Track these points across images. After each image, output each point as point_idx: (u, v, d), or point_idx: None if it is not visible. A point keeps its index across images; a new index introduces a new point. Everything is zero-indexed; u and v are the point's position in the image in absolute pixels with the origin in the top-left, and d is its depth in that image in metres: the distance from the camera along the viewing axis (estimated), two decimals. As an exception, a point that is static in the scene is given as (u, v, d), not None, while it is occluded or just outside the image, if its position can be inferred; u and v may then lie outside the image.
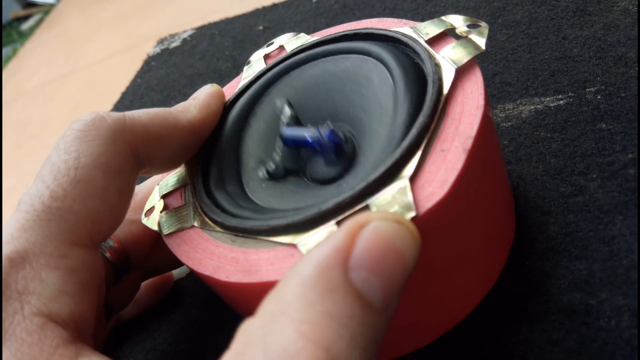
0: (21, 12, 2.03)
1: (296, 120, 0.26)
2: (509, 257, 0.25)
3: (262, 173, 0.25)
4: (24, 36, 1.76)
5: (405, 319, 0.21)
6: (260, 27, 0.58)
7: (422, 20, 0.43)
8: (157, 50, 0.68)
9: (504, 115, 0.32)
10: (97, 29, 0.96)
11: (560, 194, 0.27)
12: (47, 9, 1.73)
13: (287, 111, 0.26)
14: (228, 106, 0.28)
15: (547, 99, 0.31)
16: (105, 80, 0.76)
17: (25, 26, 1.94)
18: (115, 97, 0.64)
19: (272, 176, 0.25)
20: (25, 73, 0.98)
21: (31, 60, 1.04)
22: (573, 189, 0.27)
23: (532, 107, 0.31)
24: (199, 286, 0.33)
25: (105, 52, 0.85)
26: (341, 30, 0.28)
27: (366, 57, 0.25)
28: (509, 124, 0.31)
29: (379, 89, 0.24)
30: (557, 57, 0.34)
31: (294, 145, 0.26)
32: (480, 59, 0.27)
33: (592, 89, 0.31)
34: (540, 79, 0.33)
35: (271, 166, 0.25)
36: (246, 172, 0.26)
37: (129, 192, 0.23)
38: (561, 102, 0.31)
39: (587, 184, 0.26)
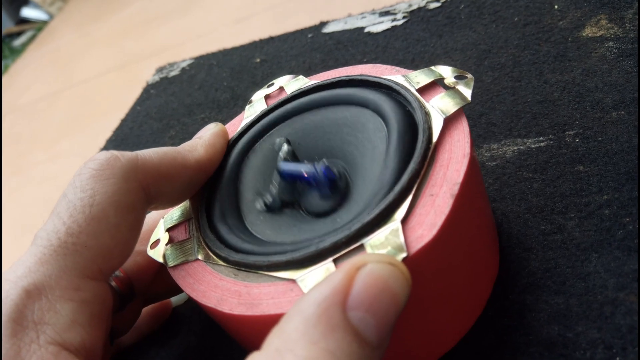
0: (13, 29, 2.04)
1: (293, 156, 0.28)
2: (493, 290, 0.27)
3: (259, 205, 0.27)
4: (15, 52, 1.76)
5: (393, 352, 0.23)
6: (258, 60, 0.60)
7: (413, 59, 0.45)
8: (157, 78, 0.69)
9: (489, 154, 0.34)
10: (90, 48, 0.97)
11: (540, 232, 0.29)
12: (40, 26, 1.74)
13: (285, 147, 0.27)
14: (231, 144, 0.29)
15: (529, 140, 0.34)
16: (97, 99, 0.77)
17: (17, 42, 1.94)
18: (108, 116, 0.66)
19: (269, 208, 0.27)
20: (16, 89, 0.99)
21: (22, 76, 1.05)
22: (552, 227, 0.28)
23: (516, 148, 0.34)
24: (197, 313, 0.34)
25: (97, 70, 0.86)
26: (337, 76, 0.30)
27: (364, 109, 0.27)
28: (494, 163, 0.33)
29: (373, 135, 0.26)
30: (539, 101, 0.36)
31: (291, 179, 0.27)
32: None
33: (571, 132, 0.33)
34: (523, 120, 0.35)
35: (268, 198, 0.27)
36: (244, 204, 0.27)
37: (139, 227, 0.24)
38: (542, 143, 0.33)
39: (566, 222, 0.28)
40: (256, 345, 0.18)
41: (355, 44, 0.52)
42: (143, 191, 0.24)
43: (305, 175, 0.26)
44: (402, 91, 0.26)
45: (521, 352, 0.24)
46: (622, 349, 0.23)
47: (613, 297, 0.25)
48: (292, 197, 0.27)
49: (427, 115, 0.24)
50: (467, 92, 0.25)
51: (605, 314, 0.24)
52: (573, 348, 0.24)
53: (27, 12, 1.98)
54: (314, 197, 0.27)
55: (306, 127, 0.29)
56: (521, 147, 0.33)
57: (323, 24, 0.59)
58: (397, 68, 0.28)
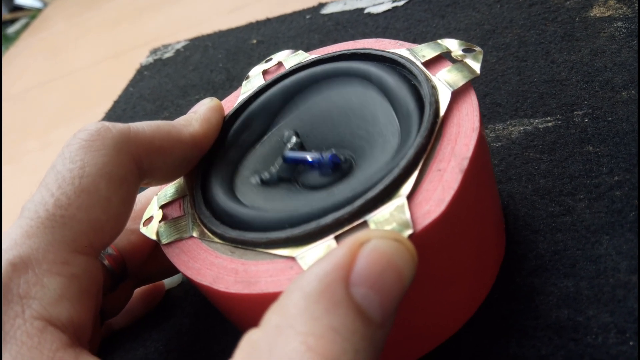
0: (7, 16, 2.02)
1: (301, 147, 0.27)
2: (499, 273, 0.26)
3: (255, 180, 0.26)
4: (9, 40, 1.74)
5: (398, 333, 0.22)
6: (254, 41, 0.58)
7: (414, 39, 0.44)
8: (150, 60, 0.68)
9: (494, 135, 0.33)
10: (84, 35, 0.96)
11: (549, 214, 0.28)
12: (34, 14, 1.72)
13: (294, 139, 0.26)
14: (228, 120, 0.28)
15: (536, 120, 0.32)
16: (90, 87, 0.76)
17: (11, 30, 1.92)
18: (102, 104, 0.64)
19: (265, 183, 0.26)
20: (9, 77, 0.98)
21: (16, 64, 1.03)
22: (561, 208, 0.27)
23: (522, 128, 0.32)
24: (191, 295, 0.33)
25: (91, 58, 0.85)
26: (339, 50, 0.28)
27: (367, 83, 0.26)
28: (500, 144, 0.32)
29: (385, 128, 0.25)
30: (546, 80, 0.35)
31: (293, 163, 0.26)
32: (471, 80, 0.28)
33: (580, 112, 0.32)
34: (529, 101, 0.34)
35: (266, 175, 0.26)
36: (239, 178, 0.26)
37: (131, 202, 0.23)
38: (550, 124, 0.32)
39: (575, 204, 0.27)
40: (253, 325, 0.17)
41: (354, 25, 0.51)
42: (135, 164, 0.23)
43: (310, 160, 0.25)
44: (407, 64, 0.25)
45: (529, 336, 0.24)
46: (635, 333, 0.22)
47: (626, 280, 0.24)
48: (291, 175, 0.26)
49: (433, 88, 0.23)
50: (476, 66, 0.24)
51: (618, 297, 0.23)
52: (584, 332, 0.23)
53: (21, -1, 1.95)
54: (313, 175, 0.26)
55: (313, 116, 0.27)
56: (527, 127, 0.32)
57: (322, 5, 0.58)
58: (401, 42, 0.27)
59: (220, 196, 0.24)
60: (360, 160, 0.25)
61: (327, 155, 0.25)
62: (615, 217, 0.26)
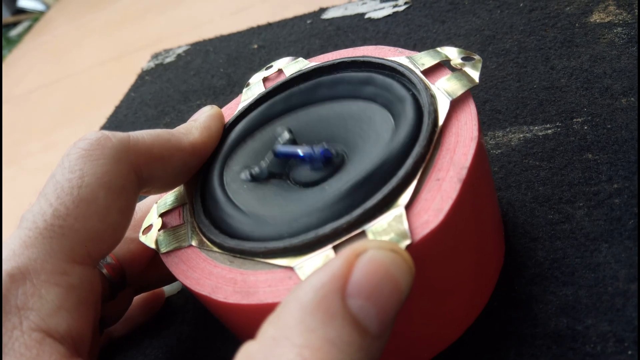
0: (10, 19, 2.02)
1: (293, 142, 0.27)
2: (498, 281, 0.26)
3: (244, 175, 0.26)
4: (12, 43, 1.75)
5: (396, 342, 0.22)
6: (255, 46, 0.59)
7: (415, 45, 0.44)
8: (152, 64, 0.68)
9: (494, 142, 0.33)
10: (86, 38, 0.96)
11: (548, 221, 0.28)
12: (36, 16, 1.73)
13: (286, 135, 0.26)
14: (228, 128, 0.28)
15: (536, 127, 0.32)
16: (93, 89, 0.76)
17: (14, 33, 1.92)
18: (104, 106, 0.65)
19: (255, 178, 0.26)
20: (11, 80, 0.98)
21: (18, 67, 1.03)
22: (560, 216, 0.27)
23: (521, 136, 0.32)
24: (191, 303, 0.33)
25: (93, 61, 0.85)
26: (338, 57, 0.29)
27: (372, 104, 0.26)
28: (499, 151, 0.32)
29: (379, 127, 0.25)
30: (545, 87, 0.35)
31: (284, 157, 0.26)
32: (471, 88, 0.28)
33: (579, 120, 0.32)
34: (529, 107, 0.34)
35: (256, 170, 0.26)
36: (229, 174, 0.26)
37: (130, 211, 0.23)
38: (549, 131, 0.32)
39: (574, 212, 0.27)
40: (252, 335, 0.17)
41: (355, 30, 0.51)
42: (135, 173, 0.23)
43: (301, 154, 0.25)
44: (407, 72, 0.25)
45: (528, 345, 0.24)
46: (634, 342, 0.22)
47: (624, 289, 0.24)
48: (282, 170, 0.26)
49: (432, 97, 0.23)
50: (475, 74, 0.24)
51: (617, 306, 0.23)
52: (583, 341, 0.23)
53: (23, 2, 1.96)
54: (304, 170, 0.26)
55: (310, 119, 0.27)
56: (527, 134, 0.32)
57: (322, 10, 0.58)
58: (400, 49, 0.27)
59: (219, 205, 0.24)
60: (352, 154, 0.25)
61: (318, 149, 0.25)
62: (615, 225, 0.26)
